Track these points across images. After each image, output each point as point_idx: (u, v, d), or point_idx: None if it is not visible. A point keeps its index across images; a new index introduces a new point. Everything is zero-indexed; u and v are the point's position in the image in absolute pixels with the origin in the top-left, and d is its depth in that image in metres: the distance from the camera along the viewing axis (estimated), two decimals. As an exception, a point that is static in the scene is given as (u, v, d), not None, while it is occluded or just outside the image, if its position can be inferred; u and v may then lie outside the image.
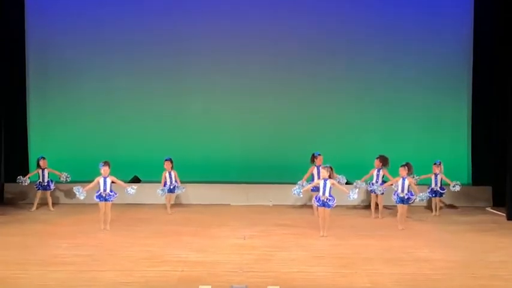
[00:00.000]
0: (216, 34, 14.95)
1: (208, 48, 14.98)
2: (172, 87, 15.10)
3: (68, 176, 13.43)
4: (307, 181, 12.43)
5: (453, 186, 13.27)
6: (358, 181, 12.88)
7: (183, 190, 13.22)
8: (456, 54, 14.94)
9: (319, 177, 11.24)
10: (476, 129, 14.75)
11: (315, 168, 12.47)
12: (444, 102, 15.00)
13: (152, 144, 14.93)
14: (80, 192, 11.52)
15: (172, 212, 13.12)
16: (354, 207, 13.86)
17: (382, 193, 12.69)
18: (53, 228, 11.60)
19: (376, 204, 12.88)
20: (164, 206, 13.39)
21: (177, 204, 14.09)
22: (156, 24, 14.95)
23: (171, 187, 12.98)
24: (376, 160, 12.81)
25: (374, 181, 12.82)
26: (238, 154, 14.87)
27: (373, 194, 12.92)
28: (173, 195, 13.19)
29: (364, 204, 14.01)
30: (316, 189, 11.53)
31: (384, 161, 12.73)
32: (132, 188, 11.58)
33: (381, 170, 12.74)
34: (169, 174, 12.97)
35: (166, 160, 13.12)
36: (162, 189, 12.92)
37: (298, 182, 12.47)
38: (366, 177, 12.93)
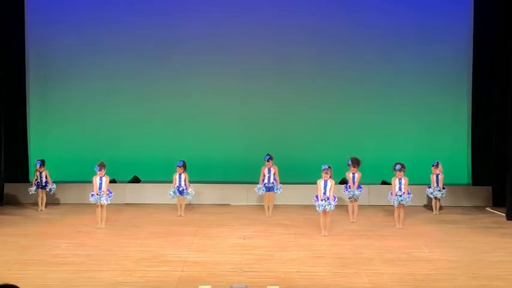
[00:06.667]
0: (217, 34, 14.94)
1: (209, 48, 14.97)
2: (173, 88, 15.09)
3: (54, 187, 13.50)
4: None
5: (439, 190, 13.21)
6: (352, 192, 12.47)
7: (190, 196, 13.04)
8: (456, 54, 14.92)
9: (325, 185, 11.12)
10: (476, 129, 14.74)
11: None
12: (444, 102, 14.98)
13: (152, 144, 14.94)
14: (96, 198, 11.65)
15: (184, 214, 12.88)
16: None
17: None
18: (53, 228, 11.60)
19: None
20: (167, 205, 13.39)
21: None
22: (157, 25, 14.93)
23: (180, 189, 12.95)
24: (351, 167, 12.45)
25: (351, 184, 12.46)
26: (238, 154, 14.86)
27: (349, 199, 12.59)
28: (183, 198, 13.05)
29: (367, 204, 13.93)
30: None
31: (358, 163, 12.50)
32: (106, 199, 11.62)
33: (356, 174, 12.47)
34: (179, 176, 12.92)
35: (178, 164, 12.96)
36: (173, 191, 12.91)
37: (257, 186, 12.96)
38: (351, 184, 12.47)
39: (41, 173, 13.34)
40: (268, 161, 12.90)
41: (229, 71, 15.05)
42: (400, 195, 11.71)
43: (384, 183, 14.16)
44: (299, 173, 14.33)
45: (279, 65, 15.01)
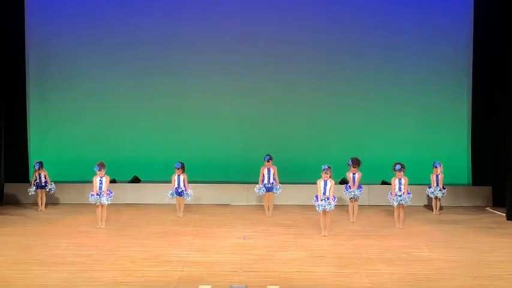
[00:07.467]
0: (216, 34, 14.95)
1: (209, 48, 14.98)
2: (173, 87, 15.10)
3: (53, 187, 13.52)
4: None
5: (440, 190, 13.24)
6: (356, 191, 12.44)
7: (189, 197, 12.93)
8: (456, 54, 14.92)
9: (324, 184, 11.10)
10: (476, 129, 14.74)
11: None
12: (444, 102, 14.99)
13: (152, 144, 14.95)
14: (96, 198, 11.66)
15: (183, 215, 12.79)
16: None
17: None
18: (53, 228, 11.60)
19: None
20: (167, 206, 13.37)
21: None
22: (157, 25, 14.94)
23: (179, 190, 12.90)
24: (351, 167, 12.43)
25: (352, 184, 12.42)
26: (238, 154, 14.87)
27: (350, 199, 12.56)
28: (182, 199, 12.98)
29: (367, 204, 13.92)
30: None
31: (358, 163, 12.45)
32: (106, 199, 11.65)
33: (356, 174, 12.44)
34: (178, 177, 12.88)
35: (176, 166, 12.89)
36: (171, 193, 12.87)
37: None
38: (352, 185, 12.46)
39: (39, 173, 13.35)
40: (268, 161, 12.88)
41: (229, 71, 15.05)
42: (400, 195, 11.71)
43: (383, 183, 14.17)
44: (299, 173, 14.33)
45: (279, 65, 15.00)
